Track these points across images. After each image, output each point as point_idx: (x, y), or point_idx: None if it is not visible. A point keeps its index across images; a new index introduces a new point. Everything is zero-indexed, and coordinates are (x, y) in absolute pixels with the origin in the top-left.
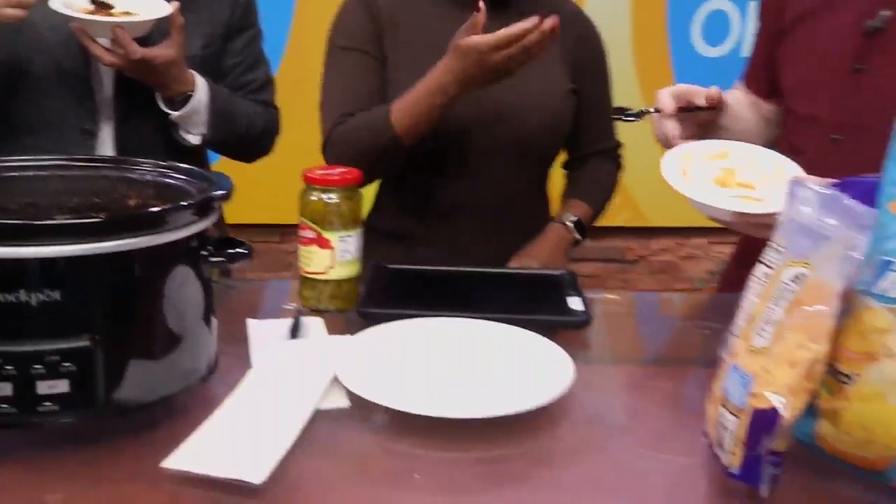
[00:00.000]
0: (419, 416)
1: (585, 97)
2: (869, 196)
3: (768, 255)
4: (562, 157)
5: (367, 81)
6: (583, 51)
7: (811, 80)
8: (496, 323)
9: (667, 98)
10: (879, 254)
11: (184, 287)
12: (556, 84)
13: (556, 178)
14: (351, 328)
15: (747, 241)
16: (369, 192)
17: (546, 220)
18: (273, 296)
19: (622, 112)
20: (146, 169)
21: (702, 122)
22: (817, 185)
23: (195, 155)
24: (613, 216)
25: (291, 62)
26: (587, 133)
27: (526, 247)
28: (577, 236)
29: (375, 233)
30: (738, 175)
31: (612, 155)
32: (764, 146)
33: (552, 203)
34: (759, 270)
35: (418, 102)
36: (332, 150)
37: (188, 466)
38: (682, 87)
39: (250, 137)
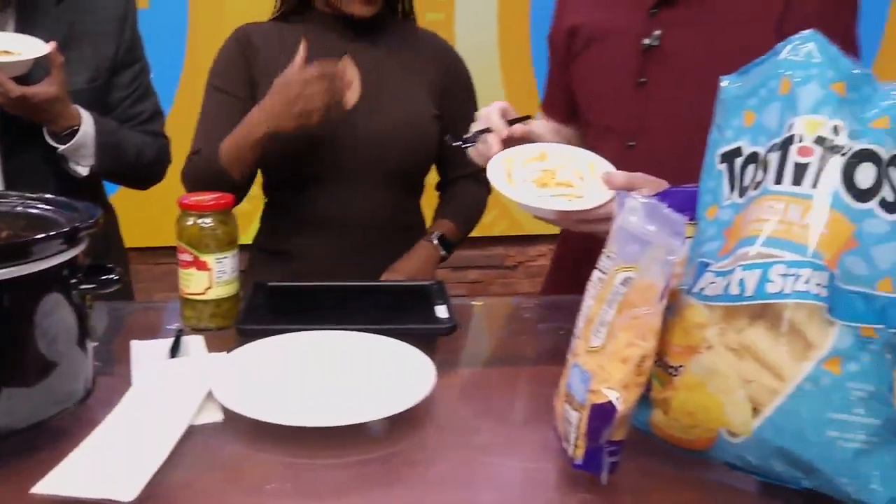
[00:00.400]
0: (288, 426)
1: (452, 124)
2: (691, 203)
3: (602, 261)
4: (436, 179)
5: (227, 122)
6: (448, 80)
7: (604, 95)
8: (366, 334)
9: (495, 116)
10: (698, 256)
11: (55, 314)
12: (420, 110)
13: (433, 197)
14: (231, 345)
15: (562, 248)
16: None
17: (421, 234)
18: (161, 317)
19: (463, 140)
20: (16, 201)
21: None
22: (642, 196)
23: (88, 185)
24: (493, 226)
25: (185, 94)
26: (455, 158)
27: (395, 263)
28: (443, 252)
29: (262, 252)
30: (557, 175)
31: (479, 178)
32: None
33: (428, 220)
34: (594, 276)
35: (237, 139)
36: (183, 181)
37: (59, 490)
38: (503, 103)
39: (140, 167)
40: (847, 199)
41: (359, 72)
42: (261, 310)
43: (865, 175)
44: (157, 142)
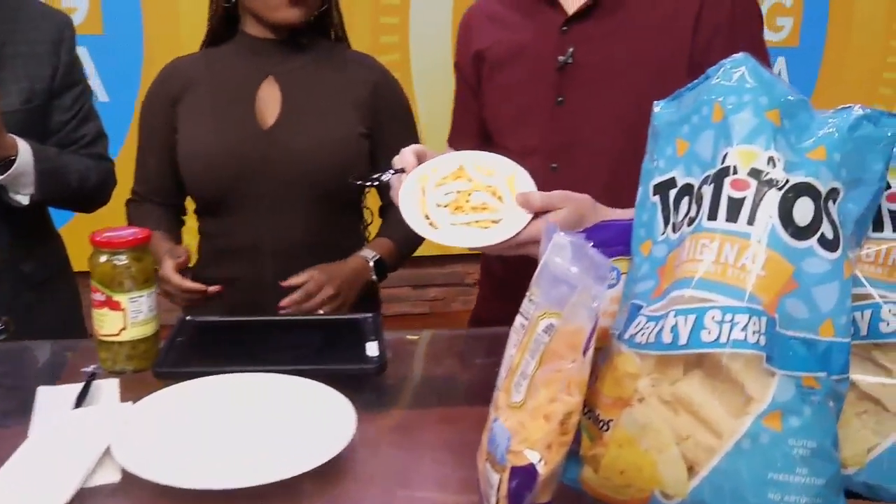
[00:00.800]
0: (191, 489)
1: (384, 143)
2: (626, 237)
3: (524, 305)
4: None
5: (151, 163)
6: (379, 99)
7: (521, 117)
8: (288, 376)
9: (410, 156)
10: (632, 297)
11: None
12: (346, 129)
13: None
14: (148, 388)
15: (485, 276)
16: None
17: None
18: (80, 357)
19: (368, 180)
20: None
21: None
22: (570, 234)
23: (33, 212)
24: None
25: None
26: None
27: (326, 265)
28: (374, 277)
29: (200, 281)
30: (471, 198)
31: None
32: None
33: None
34: (517, 321)
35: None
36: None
37: None
38: (419, 146)
39: (85, 191)
40: (785, 237)
41: (283, 93)
42: (182, 349)
43: (803, 210)
44: (100, 165)
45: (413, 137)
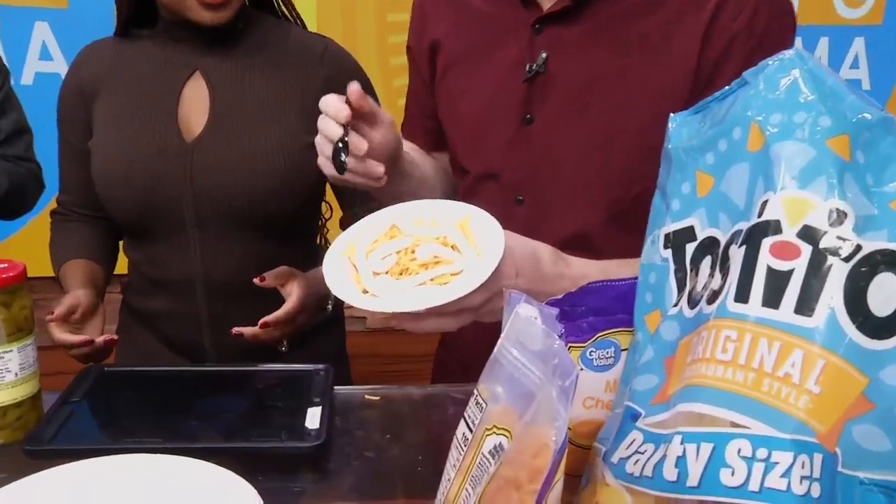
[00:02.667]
0: None
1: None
2: (623, 302)
3: (470, 408)
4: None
5: (71, 169)
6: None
7: (481, 134)
8: (192, 460)
9: (334, 100)
10: (624, 399)
11: None
12: (290, 137)
13: None
14: (22, 468)
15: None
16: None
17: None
18: None
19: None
20: None
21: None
22: (539, 309)
23: None
24: None
25: None
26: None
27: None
28: (329, 306)
29: (128, 310)
30: (418, 253)
31: None
32: (447, 196)
33: None
34: (460, 429)
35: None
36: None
37: None
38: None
39: None
40: (854, 333)
41: (212, 93)
42: (72, 416)
43: (885, 293)
44: (17, 166)
45: None
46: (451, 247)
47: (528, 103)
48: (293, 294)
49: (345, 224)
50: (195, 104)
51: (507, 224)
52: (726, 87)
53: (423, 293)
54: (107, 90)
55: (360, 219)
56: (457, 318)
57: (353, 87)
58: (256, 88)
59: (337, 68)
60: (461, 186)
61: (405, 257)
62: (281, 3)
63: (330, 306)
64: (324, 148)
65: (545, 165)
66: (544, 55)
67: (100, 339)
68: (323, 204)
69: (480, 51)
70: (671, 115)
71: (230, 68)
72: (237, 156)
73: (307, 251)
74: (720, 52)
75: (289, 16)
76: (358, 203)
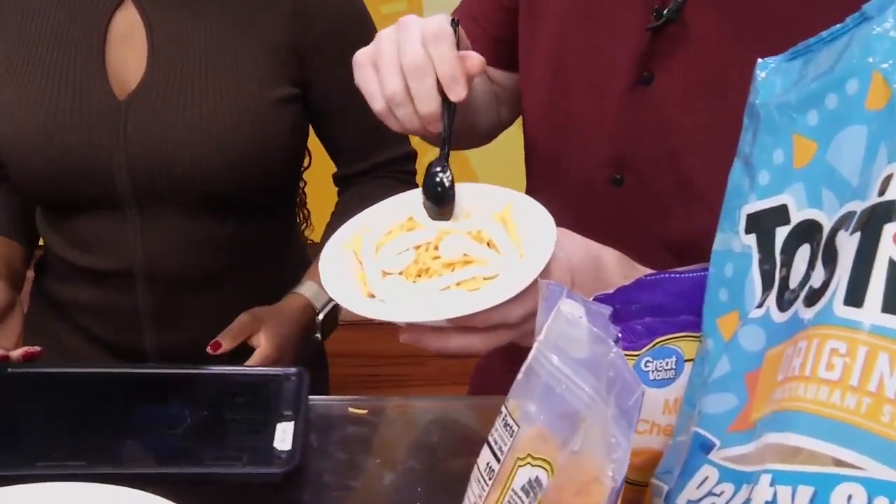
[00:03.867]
0: None
1: (326, 94)
2: (688, 300)
3: (496, 431)
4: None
5: None
6: (304, 27)
7: (584, 95)
8: (126, 489)
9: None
10: (690, 424)
11: None
12: (252, 92)
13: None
14: None
15: None
16: None
17: (300, 257)
18: None
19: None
20: None
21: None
22: (586, 306)
23: None
24: None
25: None
26: (350, 143)
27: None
28: (317, 336)
29: (43, 297)
30: (442, 249)
31: (397, 170)
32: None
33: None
34: (482, 458)
35: None
36: None
37: None
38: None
39: None
40: None
41: (150, 34)
42: None
43: None
44: None
45: None
46: (487, 243)
47: (648, 60)
48: (262, 345)
49: (339, 182)
50: (127, 46)
51: (592, 212)
52: (839, 25)
53: (445, 300)
54: (4, 28)
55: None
56: (488, 336)
57: (475, 55)
58: (205, 26)
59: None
60: (531, 164)
61: (426, 254)
62: None
63: (319, 335)
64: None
65: (661, 141)
66: None
67: (17, 354)
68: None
69: None
70: (759, 60)
71: (176, 14)
72: (185, 119)
73: (282, 235)
74: None
75: None
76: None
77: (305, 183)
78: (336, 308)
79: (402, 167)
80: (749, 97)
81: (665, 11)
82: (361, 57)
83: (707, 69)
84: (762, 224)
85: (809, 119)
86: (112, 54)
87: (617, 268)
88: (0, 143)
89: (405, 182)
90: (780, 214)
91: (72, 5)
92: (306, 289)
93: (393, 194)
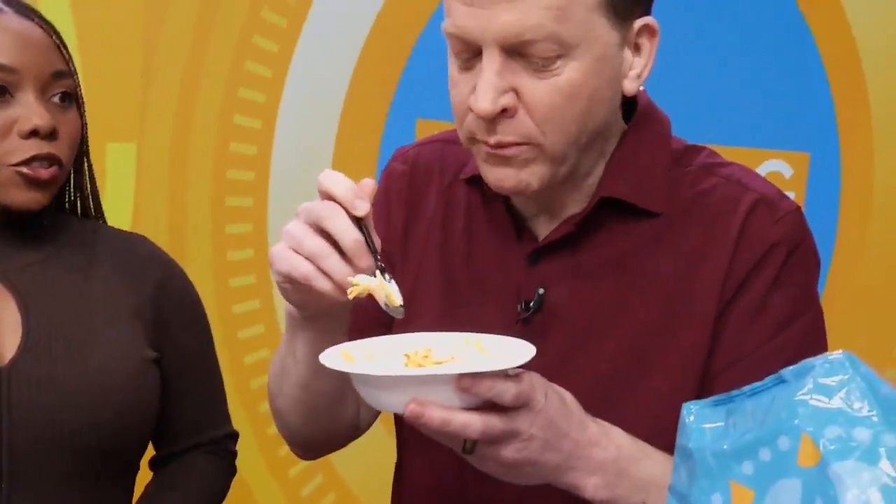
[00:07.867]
0: None
1: (178, 371)
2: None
3: None
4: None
5: None
6: (164, 300)
7: None
8: None
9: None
10: None
11: None
12: (130, 353)
13: None
14: None
15: None
16: None
17: None
18: None
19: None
20: None
21: None
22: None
23: None
24: None
25: None
26: (182, 417)
27: None
28: None
29: None
30: (434, 352)
31: (217, 450)
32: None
33: None
34: None
35: None
36: None
37: None
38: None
39: None
40: None
41: (22, 305)
42: None
43: None
44: None
45: (212, 357)
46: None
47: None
48: None
49: (156, 464)
50: (2, 321)
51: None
52: (758, 383)
53: (435, 368)
54: None
55: None
56: (489, 420)
57: (369, 181)
58: (77, 297)
59: (164, 269)
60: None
61: (416, 356)
62: (88, 198)
63: None
64: (325, 256)
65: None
66: (541, 290)
67: None
68: None
69: (479, 282)
70: (684, 403)
71: (41, 273)
72: (61, 378)
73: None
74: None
75: (93, 214)
76: None
77: None
78: None
79: (224, 446)
80: (679, 438)
81: (530, 304)
82: (277, 250)
83: (570, 350)
84: None
85: (745, 469)
86: None
87: (571, 400)
88: None
89: (223, 459)
90: None
91: None
92: None
93: (208, 472)
